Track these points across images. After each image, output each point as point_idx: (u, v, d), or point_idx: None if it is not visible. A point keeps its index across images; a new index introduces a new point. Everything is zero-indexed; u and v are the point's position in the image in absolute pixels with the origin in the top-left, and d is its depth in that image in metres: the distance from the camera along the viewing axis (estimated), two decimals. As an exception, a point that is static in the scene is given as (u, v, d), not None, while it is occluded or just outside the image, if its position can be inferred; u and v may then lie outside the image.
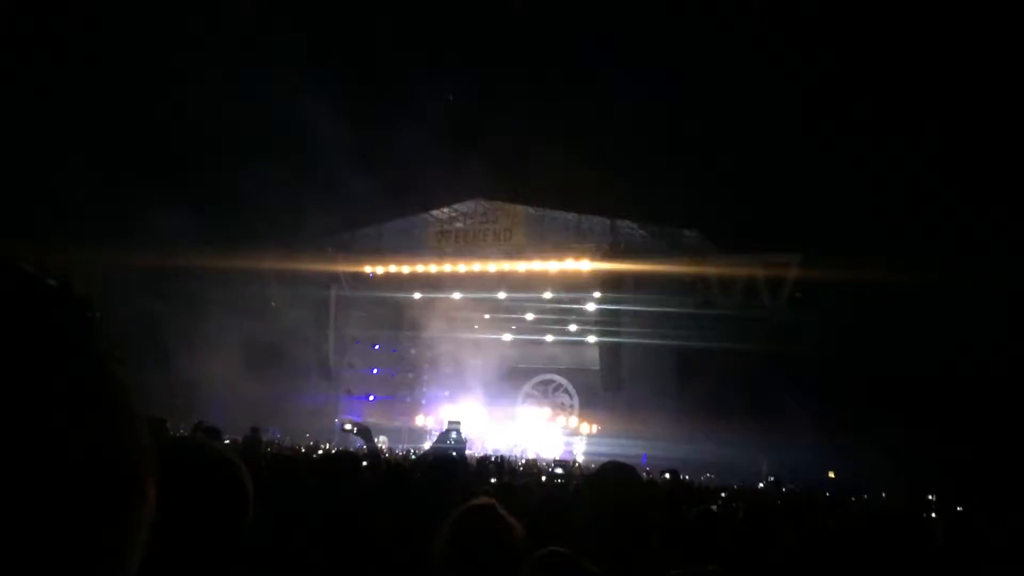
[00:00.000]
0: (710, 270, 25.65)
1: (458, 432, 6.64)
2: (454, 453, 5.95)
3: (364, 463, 5.55)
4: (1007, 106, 20.28)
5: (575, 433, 29.80)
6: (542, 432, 30.18)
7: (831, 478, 21.78)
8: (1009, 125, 20.44)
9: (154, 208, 22.72)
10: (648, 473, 18.97)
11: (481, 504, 2.20)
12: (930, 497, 12.19)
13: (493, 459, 9.10)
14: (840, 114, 22.59)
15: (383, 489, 4.54)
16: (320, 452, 12.38)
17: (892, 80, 21.61)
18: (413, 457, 13.77)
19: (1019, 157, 20.54)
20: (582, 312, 29.34)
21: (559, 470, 10.05)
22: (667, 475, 10.72)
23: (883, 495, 15.58)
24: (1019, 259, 19.93)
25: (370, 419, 30.69)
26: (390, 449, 22.57)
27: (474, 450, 23.77)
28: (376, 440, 20.29)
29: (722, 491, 10.33)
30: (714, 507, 7.27)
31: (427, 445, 18.96)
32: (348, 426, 5.63)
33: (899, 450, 19.60)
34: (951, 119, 21.15)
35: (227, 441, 10.67)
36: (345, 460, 4.53)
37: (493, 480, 8.04)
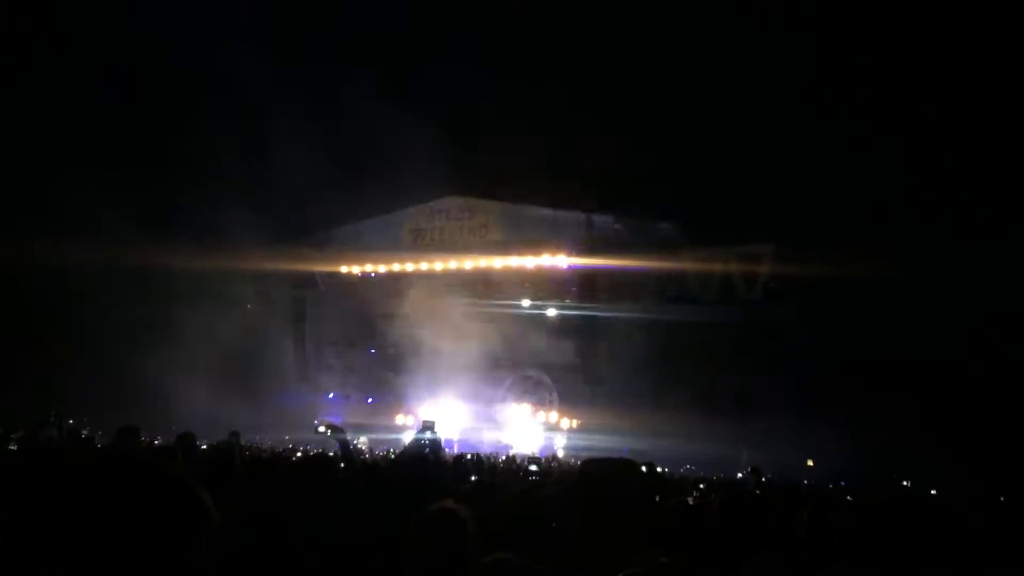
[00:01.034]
0: (685, 262, 25.78)
1: (433, 431, 6.63)
2: (428, 452, 5.95)
3: (341, 464, 5.53)
4: (983, 92, 20.49)
5: (555, 428, 29.85)
6: (522, 428, 30.21)
7: (809, 466, 22.02)
8: (983, 111, 20.67)
9: (126, 207, 22.56)
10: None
11: (443, 508, 2.21)
12: (904, 483, 12.33)
13: (469, 457, 9.10)
14: (813, 103, 22.75)
15: (358, 490, 4.53)
16: (298, 455, 12.32)
17: (864, 67, 21.78)
18: (392, 457, 13.74)
19: (995, 144, 20.79)
20: (560, 307, 29.40)
21: (533, 467, 10.04)
22: (643, 467, 10.82)
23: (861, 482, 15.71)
24: (998, 245, 20.17)
25: (350, 419, 30.64)
26: (370, 449, 22.47)
27: (454, 448, 23.78)
28: (356, 440, 20.28)
29: (700, 483, 10.39)
30: (690, 499, 7.32)
31: (405, 443, 18.87)
32: (322, 428, 5.62)
33: (875, 437, 19.80)
34: (926, 105, 21.35)
35: (204, 447, 10.61)
36: (319, 462, 4.52)
37: (473, 478, 8.05)
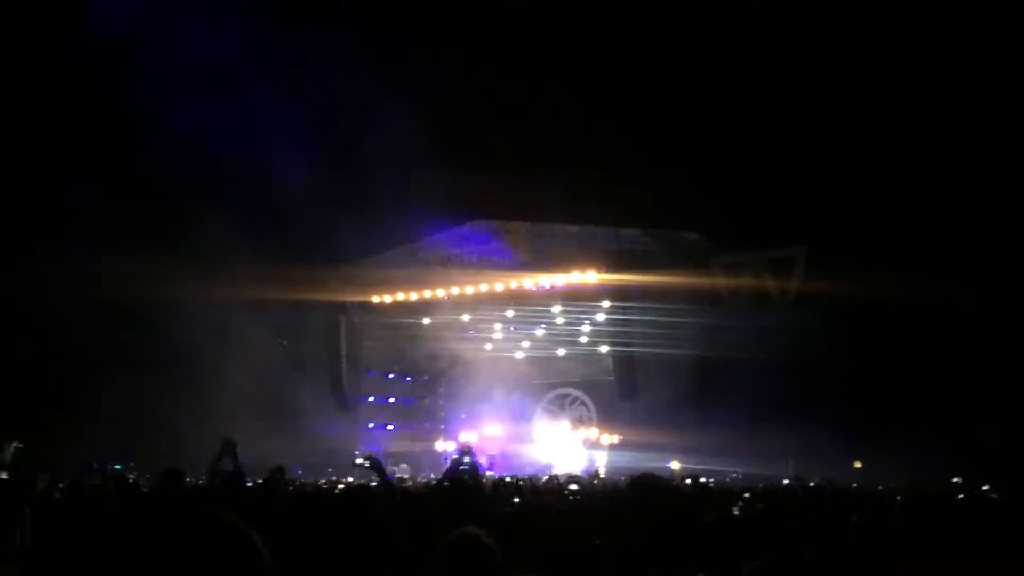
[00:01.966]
0: (715, 271, 25.62)
1: (471, 456, 6.63)
2: (467, 479, 5.95)
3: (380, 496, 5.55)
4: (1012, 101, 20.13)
5: (596, 445, 29.73)
6: (563, 446, 30.13)
7: (857, 468, 21.70)
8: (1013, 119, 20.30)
9: (153, 241, 22.91)
10: (672, 479, 18.95)
11: (466, 534, 2.22)
12: (955, 480, 12.12)
13: (509, 480, 9.07)
14: (838, 106, 22.51)
15: (396, 520, 4.54)
16: (340, 488, 12.36)
17: (893, 71, 21.53)
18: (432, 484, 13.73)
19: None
20: (592, 323, 29.38)
21: (573, 486, 9.97)
22: (688, 480, 10.73)
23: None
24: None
25: (391, 448, 30.78)
26: (412, 477, 22.50)
27: (495, 470, 23.74)
28: (397, 469, 20.36)
29: (746, 491, 10.27)
30: (736, 509, 7.25)
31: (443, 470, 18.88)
32: (359, 460, 5.65)
33: (923, 438, 19.48)
34: (956, 109, 21.02)
35: (249, 484, 10.68)
36: (358, 495, 4.54)
37: (516, 500, 8.03)
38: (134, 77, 22.33)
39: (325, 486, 14.46)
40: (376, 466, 5.64)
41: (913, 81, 21.19)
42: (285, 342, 29.89)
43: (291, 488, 11.51)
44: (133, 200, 23.74)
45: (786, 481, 16.59)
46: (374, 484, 5.98)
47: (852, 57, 21.61)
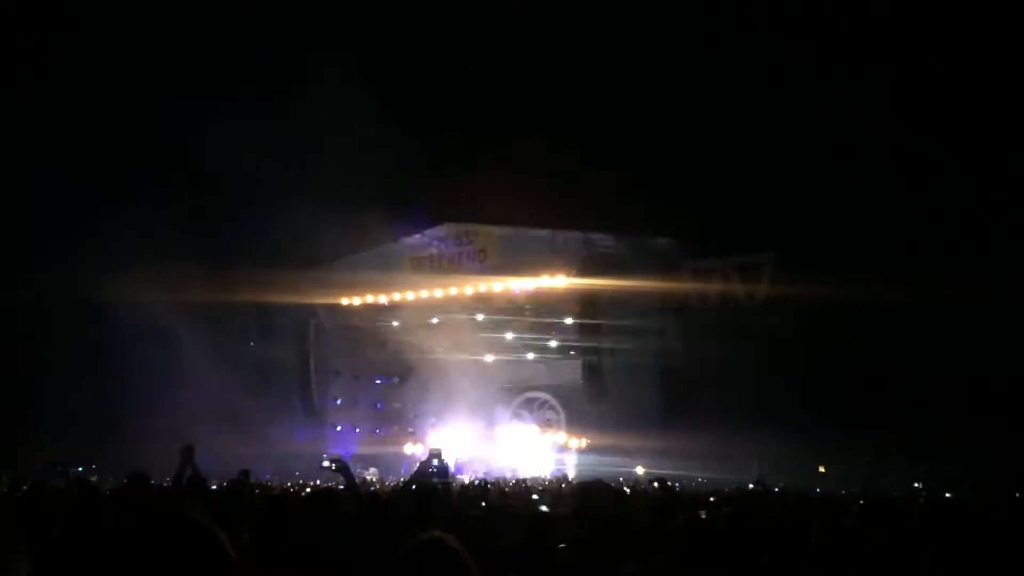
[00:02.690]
0: (685, 276, 25.78)
1: (440, 460, 6.63)
2: (436, 481, 5.95)
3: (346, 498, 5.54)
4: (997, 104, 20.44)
5: (564, 449, 29.77)
6: (531, 450, 30.15)
7: (822, 473, 21.93)
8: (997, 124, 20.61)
9: (122, 241, 22.63)
10: (639, 483, 19.05)
11: (430, 538, 2.23)
12: (916, 485, 12.30)
13: (477, 483, 9.07)
14: (808, 116, 22.77)
15: (362, 522, 4.54)
16: (308, 490, 12.30)
17: (859, 81, 21.83)
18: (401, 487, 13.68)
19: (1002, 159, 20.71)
20: (562, 327, 29.44)
21: (535, 497, 9.90)
22: (655, 484, 10.79)
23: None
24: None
25: (359, 450, 30.61)
26: (380, 480, 22.41)
27: (465, 474, 23.71)
28: (366, 472, 20.24)
29: (712, 495, 10.35)
30: (702, 513, 7.30)
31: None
32: (326, 463, 5.64)
33: (883, 443, 19.76)
34: (921, 118, 21.34)
35: (213, 487, 10.58)
36: (323, 498, 4.54)
37: (483, 504, 8.04)
38: (97, 70, 22.16)
39: (292, 489, 14.37)
40: (342, 469, 5.63)
41: (877, 91, 21.52)
42: (253, 344, 29.66)
43: (257, 491, 11.42)
44: (96, 200, 23.48)
45: (751, 486, 16.76)
46: (342, 487, 5.97)
47: (820, 68, 21.91)
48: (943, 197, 21.35)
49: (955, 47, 20.16)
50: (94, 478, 12.52)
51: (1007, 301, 19.71)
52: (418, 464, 6.94)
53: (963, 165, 20.96)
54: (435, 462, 6.42)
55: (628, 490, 14.11)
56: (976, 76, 20.31)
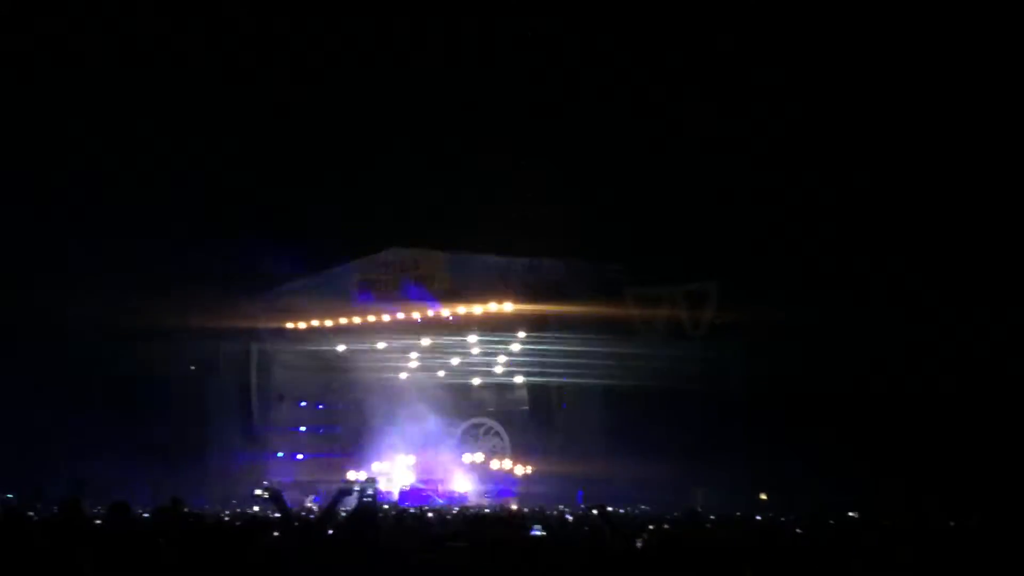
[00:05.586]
0: (631, 303, 26.00)
1: (375, 488, 6.54)
2: (364, 511, 5.86)
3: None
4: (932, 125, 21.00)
5: (509, 476, 29.70)
6: (476, 477, 30.05)
7: (763, 499, 22.16)
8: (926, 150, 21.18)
9: (58, 260, 22.12)
10: (582, 509, 19.03)
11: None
12: (851, 515, 12.49)
13: (413, 511, 8.97)
14: (751, 145, 23.18)
15: (294, 551, 4.45)
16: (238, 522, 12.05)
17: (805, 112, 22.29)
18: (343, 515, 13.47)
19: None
20: (508, 353, 29.44)
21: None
22: (595, 511, 10.79)
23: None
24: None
25: (300, 477, 30.14)
26: (320, 508, 22.02)
27: (408, 502, 23.49)
28: (305, 500, 19.92)
29: (650, 523, 10.40)
30: (639, 541, 7.34)
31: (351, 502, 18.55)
32: (258, 491, 5.55)
33: (825, 471, 20.06)
34: (863, 149, 21.85)
35: (146, 515, 10.32)
36: (254, 525, 4.44)
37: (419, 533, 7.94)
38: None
39: (227, 517, 14.05)
40: (275, 497, 5.53)
41: (823, 122, 22.02)
42: (193, 367, 29.08)
43: (190, 519, 11.14)
44: (31, 224, 22.83)
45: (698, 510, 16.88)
46: (273, 517, 5.86)
47: (764, 100, 22.35)
48: (886, 228, 21.84)
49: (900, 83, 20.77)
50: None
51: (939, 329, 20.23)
52: (335, 492, 6.80)
53: (905, 198, 21.51)
54: (369, 491, 6.33)
55: (570, 517, 14.10)
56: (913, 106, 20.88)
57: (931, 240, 21.07)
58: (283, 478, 29.38)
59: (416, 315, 28.73)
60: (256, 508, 20.00)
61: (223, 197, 24.03)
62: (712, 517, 11.69)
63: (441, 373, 31.19)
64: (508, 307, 27.28)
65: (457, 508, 18.07)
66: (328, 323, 29.85)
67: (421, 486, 28.62)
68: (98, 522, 7.84)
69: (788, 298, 21.72)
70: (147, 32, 21.46)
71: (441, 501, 26.25)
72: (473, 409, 32.03)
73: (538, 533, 8.12)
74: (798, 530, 9.55)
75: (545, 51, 23.49)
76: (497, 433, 31.44)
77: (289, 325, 30.22)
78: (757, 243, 23.71)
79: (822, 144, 22.08)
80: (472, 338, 29.18)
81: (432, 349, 30.18)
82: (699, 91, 23.06)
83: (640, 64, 23.26)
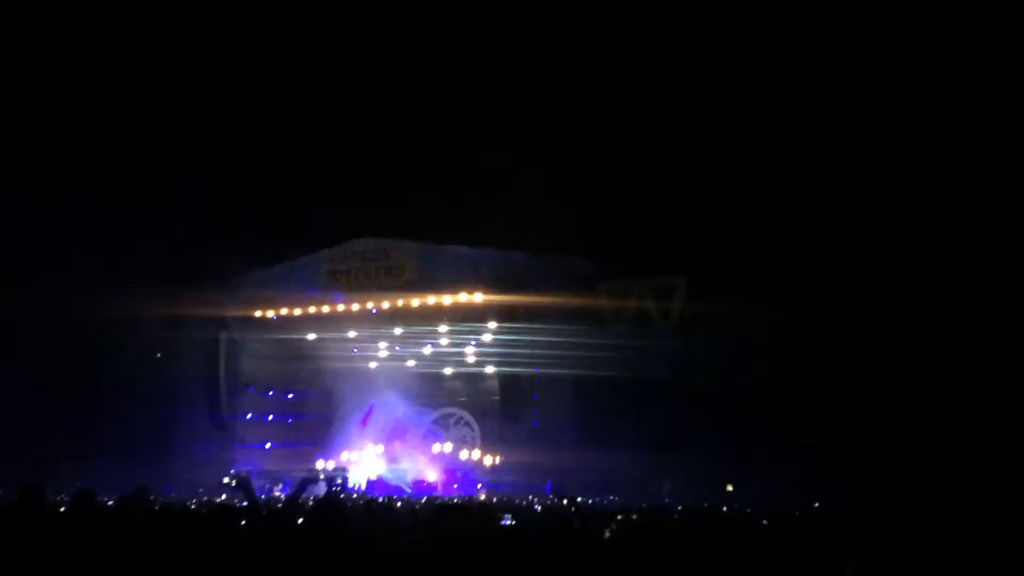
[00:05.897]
0: (600, 296, 26.10)
1: (344, 477, 6.53)
2: (332, 499, 5.84)
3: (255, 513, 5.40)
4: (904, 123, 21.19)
5: (479, 466, 29.72)
6: (444, 467, 30.02)
7: (729, 491, 22.39)
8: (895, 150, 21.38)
9: (26, 251, 21.79)
10: (551, 499, 19.13)
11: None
12: (816, 505, 12.64)
13: (381, 501, 8.96)
14: (724, 139, 23.29)
15: (259, 538, 4.43)
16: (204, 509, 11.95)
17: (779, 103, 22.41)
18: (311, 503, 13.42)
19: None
20: (479, 343, 29.45)
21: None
22: (565, 501, 10.86)
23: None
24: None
25: (269, 466, 29.96)
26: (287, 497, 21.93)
27: (376, 492, 23.43)
28: (273, 489, 19.85)
29: (619, 513, 10.46)
30: (607, 531, 7.38)
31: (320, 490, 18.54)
32: (226, 480, 5.51)
33: (791, 464, 20.27)
34: (835, 150, 22.03)
35: (110, 503, 10.22)
36: (221, 513, 4.41)
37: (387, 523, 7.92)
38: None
39: (193, 506, 13.96)
40: (243, 485, 5.50)
41: (822, 122, 22.19)
42: (160, 356, 28.76)
43: (156, 508, 11.05)
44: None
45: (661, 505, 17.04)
46: (240, 505, 5.82)
47: (764, 100, 22.47)
48: (886, 228, 22.05)
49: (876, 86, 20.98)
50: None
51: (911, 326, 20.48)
52: (300, 480, 6.77)
53: (880, 194, 21.73)
54: (337, 480, 6.32)
55: (539, 507, 14.17)
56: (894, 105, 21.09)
57: (931, 240, 21.29)
58: (251, 467, 29.22)
59: (386, 304, 28.66)
60: (224, 496, 19.89)
61: (223, 197, 23.88)
62: (680, 508, 11.79)
63: (411, 363, 31.14)
64: (478, 297, 27.28)
65: (425, 498, 18.06)
66: (297, 312, 29.69)
67: (389, 476, 28.55)
68: (62, 509, 7.78)
69: (788, 298, 21.89)
70: (147, 32, 21.26)
71: (410, 491, 26.25)
72: (444, 398, 32.01)
73: (507, 523, 8.14)
74: (764, 521, 9.65)
75: (545, 51, 23.51)
76: (468, 423, 31.44)
77: (258, 313, 30.01)
78: (757, 243, 23.88)
79: (822, 144, 22.27)
80: (443, 328, 29.15)
81: (403, 338, 30.14)
82: (699, 91, 23.16)
83: (640, 64, 23.31)
